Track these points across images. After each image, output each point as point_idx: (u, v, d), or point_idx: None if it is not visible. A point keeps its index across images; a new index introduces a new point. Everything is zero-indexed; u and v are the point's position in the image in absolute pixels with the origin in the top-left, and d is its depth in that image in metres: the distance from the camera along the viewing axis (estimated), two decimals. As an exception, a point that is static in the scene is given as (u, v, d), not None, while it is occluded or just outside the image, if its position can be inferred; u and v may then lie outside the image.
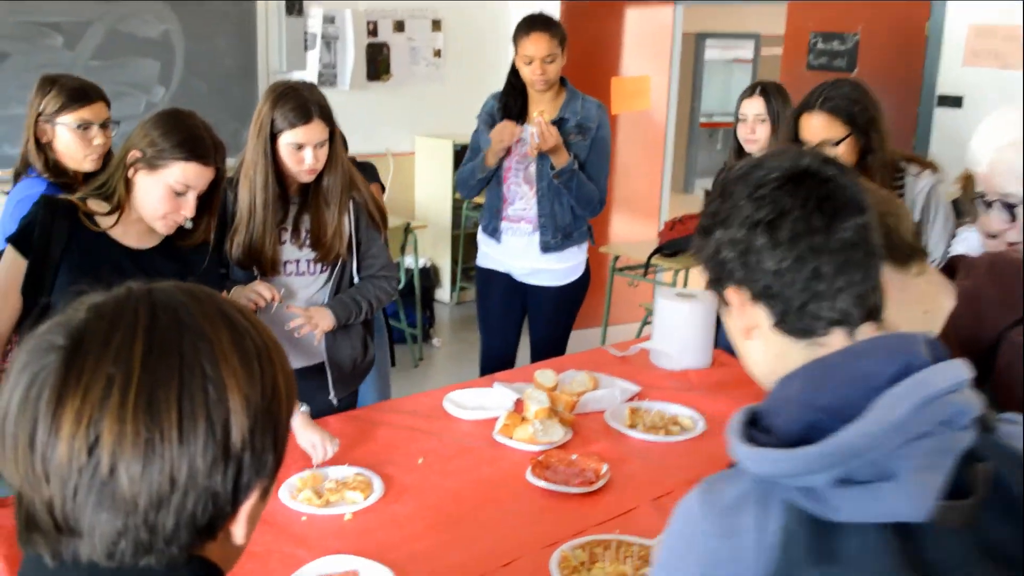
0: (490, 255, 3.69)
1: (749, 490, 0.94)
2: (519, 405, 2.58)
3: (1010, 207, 1.70)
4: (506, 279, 3.67)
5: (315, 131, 2.47)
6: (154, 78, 4.98)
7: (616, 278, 5.46)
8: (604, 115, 3.52)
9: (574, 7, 5.84)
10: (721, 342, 3.17)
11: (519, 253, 3.60)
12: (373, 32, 6.02)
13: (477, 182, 3.55)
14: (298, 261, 2.63)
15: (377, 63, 6.07)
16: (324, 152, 2.52)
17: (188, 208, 2.18)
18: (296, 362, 2.57)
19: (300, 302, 2.62)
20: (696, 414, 2.60)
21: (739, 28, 11.24)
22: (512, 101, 3.50)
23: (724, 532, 0.93)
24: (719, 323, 3.14)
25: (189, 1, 5.07)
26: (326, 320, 2.56)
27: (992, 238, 1.70)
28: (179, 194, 2.16)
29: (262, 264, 2.56)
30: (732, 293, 1.06)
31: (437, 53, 6.36)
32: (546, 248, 3.53)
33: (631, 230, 6.27)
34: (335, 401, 2.69)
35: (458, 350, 5.72)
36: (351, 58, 5.82)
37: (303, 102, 2.47)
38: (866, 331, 1.02)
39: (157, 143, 2.16)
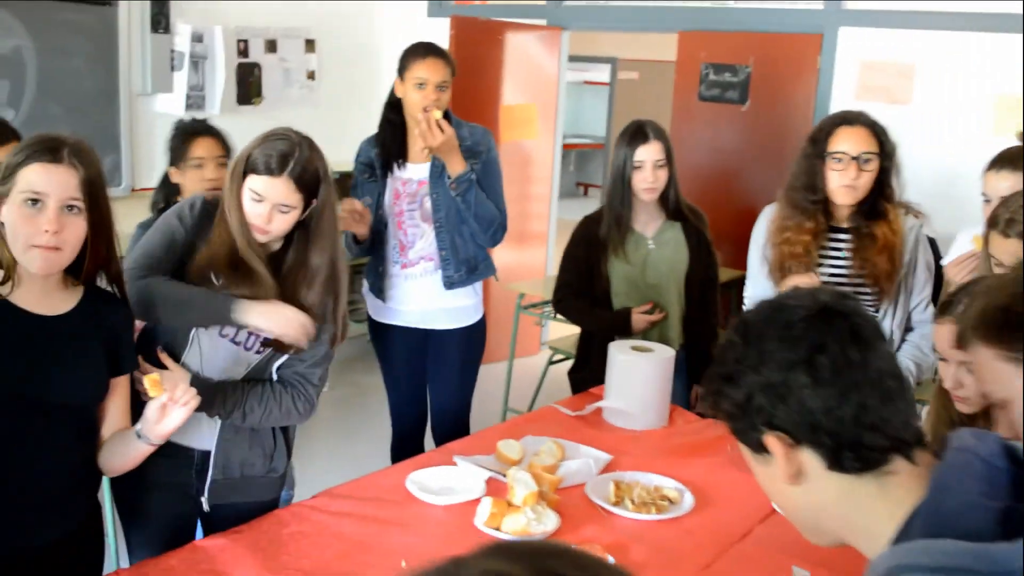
0: (383, 307, 3.39)
1: None
2: (493, 486, 2.32)
3: None
4: (405, 332, 3.38)
5: (280, 189, 2.10)
6: (3, 99, 4.40)
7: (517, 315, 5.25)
8: (491, 139, 3.33)
9: (464, 28, 5.60)
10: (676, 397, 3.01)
11: (420, 296, 3.33)
12: (244, 52, 5.58)
13: (356, 253, 3.28)
14: (241, 331, 2.21)
15: (248, 84, 5.63)
16: (286, 220, 2.14)
17: (47, 220, 1.74)
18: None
19: (215, 374, 2.21)
20: (679, 485, 2.41)
21: (595, 52, 11.30)
22: (390, 141, 3.25)
23: None
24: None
25: (42, 14, 4.51)
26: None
27: None
28: (33, 207, 1.75)
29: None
30: (772, 440, 1.02)
31: (311, 75, 5.98)
32: (450, 284, 3.28)
33: (520, 260, 6.07)
34: (205, 506, 2.26)
35: (345, 395, 5.35)
36: (220, 80, 5.36)
37: (284, 152, 2.11)
38: (921, 455, 1.01)
39: (5, 164, 1.78)
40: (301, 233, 2.20)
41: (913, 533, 0.96)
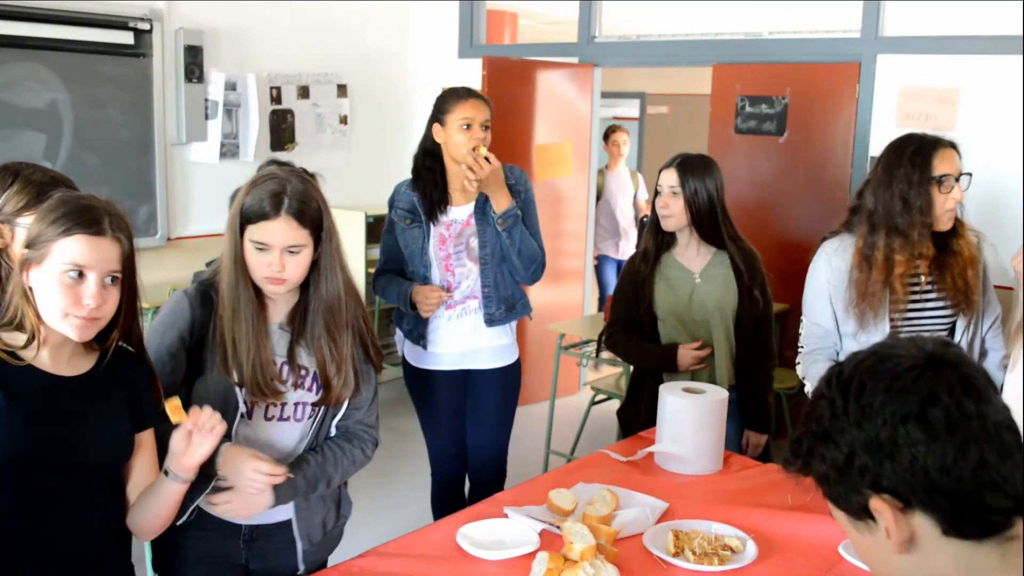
0: (423, 353, 3.35)
1: None
2: (547, 538, 2.22)
3: None
4: (445, 375, 3.35)
5: (284, 230, 2.01)
6: (39, 152, 4.42)
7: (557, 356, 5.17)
8: (527, 178, 3.34)
9: (496, 69, 5.58)
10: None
11: (461, 336, 3.31)
12: (277, 99, 5.60)
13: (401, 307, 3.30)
14: (286, 404, 2.16)
15: (281, 131, 5.65)
16: (300, 262, 2.06)
17: (89, 294, 1.71)
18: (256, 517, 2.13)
19: (277, 455, 2.14)
20: (740, 532, 2.30)
21: (623, 87, 11.28)
22: (431, 187, 3.22)
23: None
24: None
25: (78, 66, 4.54)
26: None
27: None
28: (74, 278, 1.71)
29: (263, 393, 2.09)
30: (879, 504, 0.93)
31: (343, 120, 5.99)
32: (491, 321, 3.28)
33: (556, 299, 6.00)
34: (301, 568, 2.25)
35: (384, 440, 5.26)
36: (255, 127, 5.37)
37: (276, 191, 2.03)
38: None
39: (37, 231, 1.73)
40: (314, 274, 2.11)
41: None
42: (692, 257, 3.17)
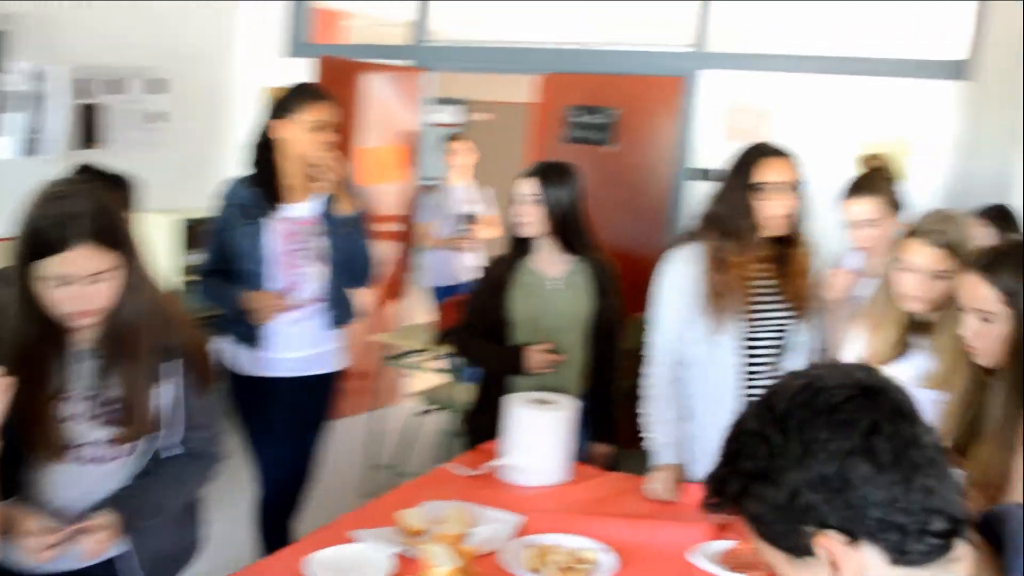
0: (258, 358, 3.21)
1: None
2: (403, 563, 2.13)
3: None
4: (283, 382, 3.23)
5: (83, 259, 1.78)
6: None
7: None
8: (358, 185, 3.35)
9: (329, 69, 5.41)
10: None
11: (304, 340, 3.25)
12: (86, 92, 5.21)
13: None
14: (89, 444, 1.97)
15: (90, 128, 5.26)
16: (108, 287, 1.84)
17: None
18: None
19: (99, 497, 1.98)
20: (598, 544, 2.28)
21: (445, 93, 11.26)
22: (268, 183, 3.14)
23: None
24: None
25: None
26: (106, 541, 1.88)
27: None
28: None
29: (33, 448, 1.88)
30: (825, 542, 0.90)
31: (160, 117, 5.65)
32: (338, 324, 3.30)
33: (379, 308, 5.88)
34: None
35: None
36: (60, 122, 4.97)
37: (72, 213, 1.77)
38: (971, 533, 0.92)
39: None
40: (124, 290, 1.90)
41: None
42: (550, 264, 3.15)
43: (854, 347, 2.60)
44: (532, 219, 3.06)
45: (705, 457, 2.56)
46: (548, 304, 3.12)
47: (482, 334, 3.17)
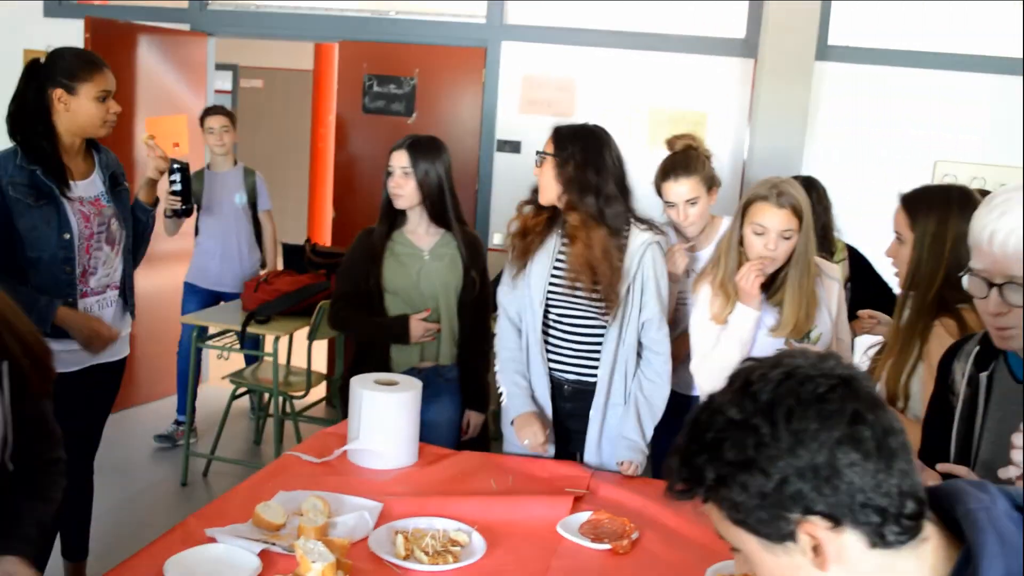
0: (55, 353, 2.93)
1: None
2: (268, 559, 2.01)
3: None
4: (76, 374, 2.96)
5: None
6: None
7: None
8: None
9: (99, 32, 4.97)
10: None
11: None
12: None
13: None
14: None
15: None
16: None
17: None
18: None
19: None
20: (463, 525, 2.26)
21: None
22: (53, 159, 2.87)
23: None
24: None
25: None
26: None
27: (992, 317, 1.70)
28: None
29: None
30: (809, 528, 0.93)
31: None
32: (132, 311, 3.18)
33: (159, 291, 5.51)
34: None
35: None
36: None
37: None
38: (929, 512, 0.97)
39: None
40: None
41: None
42: (421, 236, 3.20)
43: (700, 311, 2.69)
44: (404, 191, 3.11)
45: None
46: (421, 274, 3.17)
47: (356, 304, 3.18)
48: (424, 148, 3.15)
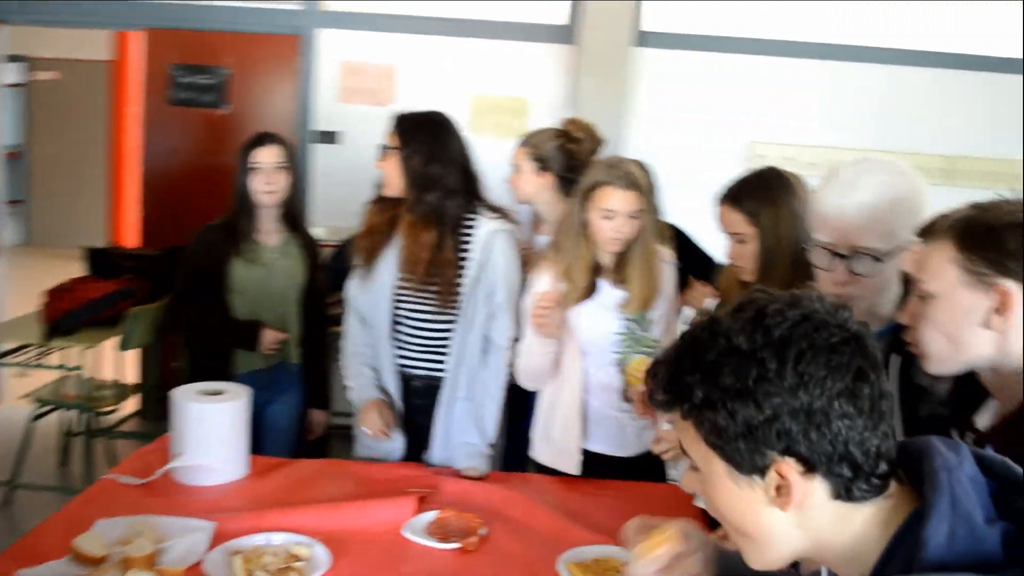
0: None
1: None
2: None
3: (875, 259, 1.72)
4: None
5: None
6: None
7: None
8: None
9: None
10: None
11: None
12: None
13: None
14: None
15: None
16: None
17: None
18: None
19: None
20: (303, 538, 2.15)
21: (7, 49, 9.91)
22: None
23: None
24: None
25: None
26: None
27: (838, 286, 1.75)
28: None
29: None
30: (783, 468, 0.95)
31: None
32: None
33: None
34: None
35: None
36: None
37: None
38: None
39: None
40: None
41: (898, 562, 0.93)
42: (270, 234, 3.17)
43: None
44: (278, 187, 3.08)
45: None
46: (269, 273, 3.13)
47: (197, 304, 3.10)
48: (290, 143, 3.20)
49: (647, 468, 2.72)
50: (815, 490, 0.96)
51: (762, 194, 2.26)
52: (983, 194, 1.41)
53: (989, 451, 1.00)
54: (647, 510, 2.42)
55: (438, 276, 2.67)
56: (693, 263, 3.13)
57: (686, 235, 3.20)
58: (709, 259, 3.34)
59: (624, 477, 2.65)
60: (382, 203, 2.79)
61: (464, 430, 2.72)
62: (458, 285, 2.67)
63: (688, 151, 4.85)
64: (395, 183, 2.70)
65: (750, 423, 0.94)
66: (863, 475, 0.95)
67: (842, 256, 1.73)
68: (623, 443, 2.68)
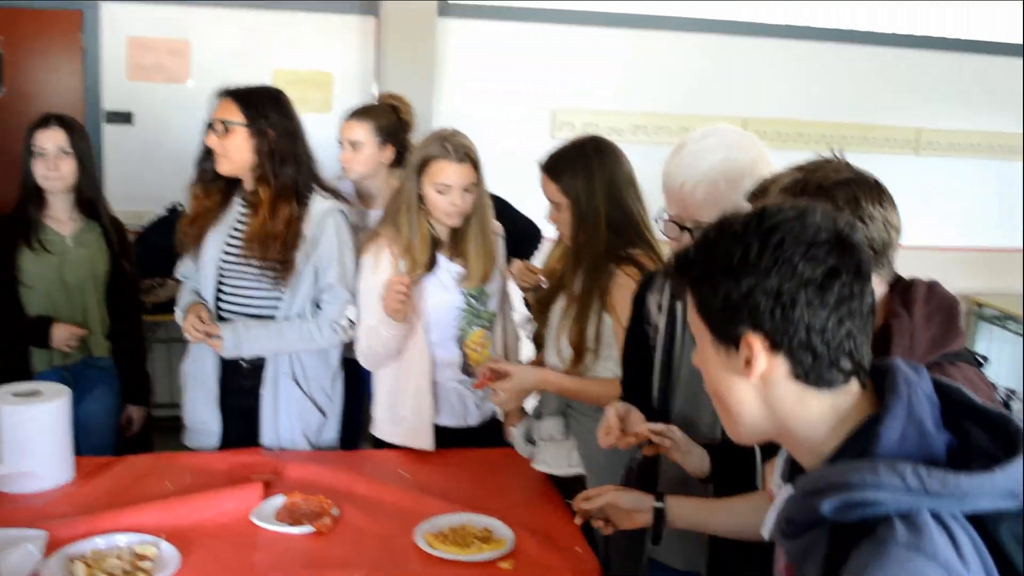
0: None
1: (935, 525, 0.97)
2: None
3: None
4: None
5: None
6: None
7: None
8: None
9: None
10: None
11: None
12: None
13: None
14: None
15: None
16: None
17: None
18: None
19: None
20: (146, 536, 2.06)
21: None
22: None
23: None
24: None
25: None
26: None
27: None
28: None
29: None
30: (754, 341, 1.06)
31: None
32: None
33: None
34: None
35: None
36: None
37: None
38: (866, 380, 1.10)
39: None
40: None
41: (851, 452, 1.03)
42: (64, 222, 2.98)
43: (370, 277, 2.63)
44: (62, 172, 2.90)
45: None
46: (63, 264, 2.94)
47: None
48: (78, 126, 2.98)
49: (488, 436, 2.78)
50: (777, 367, 1.06)
51: (575, 164, 2.32)
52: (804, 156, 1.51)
53: (947, 378, 1.12)
54: (492, 475, 2.54)
55: (284, 252, 2.62)
56: (518, 232, 3.20)
57: (508, 205, 3.25)
58: (532, 226, 3.43)
59: (467, 446, 2.69)
60: (208, 183, 2.68)
61: (302, 410, 2.69)
62: (292, 260, 2.63)
63: (495, 122, 4.90)
64: (238, 159, 2.60)
65: (729, 297, 1.06)
66: (823, 363, 1.05)
67: (687, 228, 1.79)
68: (465, 414, 2.72)
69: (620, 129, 4.88)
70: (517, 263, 2.98)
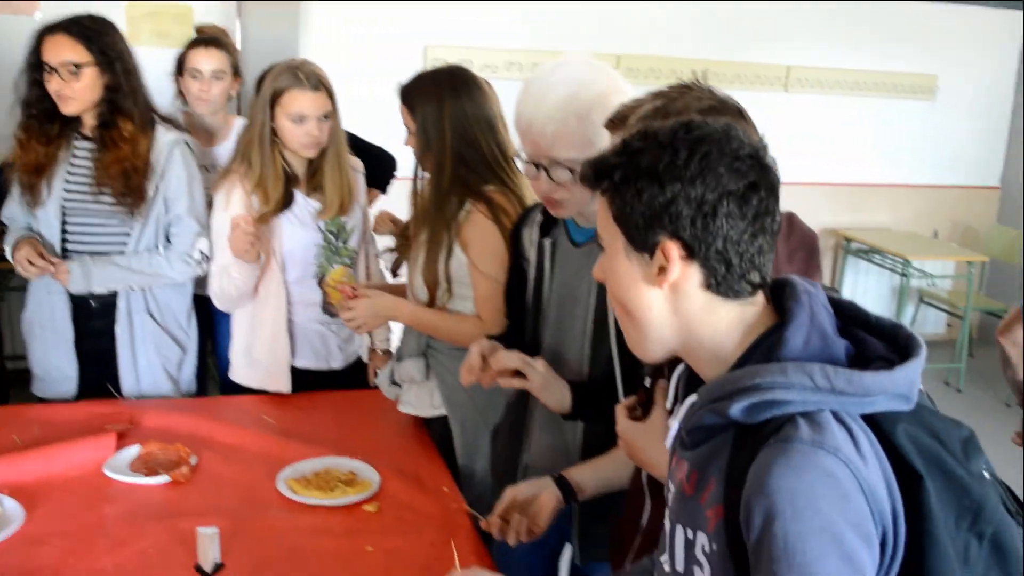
0: None
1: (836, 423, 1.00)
2: None
3: (570, 171, 1.72)
4: None
5: None
6: None
7: None
8: None
9: None
10: None
11: None
12: None
13: None
14: None
15: None
16: None
17: None
18: None
19: None
20: (-10, 495, 1.96)
21: None
22: None
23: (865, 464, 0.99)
24: None
25: None
26: None
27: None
28: None
29: None
30: (668, 246, 1.07)
31: None
32: None
33: None
34: None
35: None
36: None
37: None
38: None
39: None
40: None
41: (757, 358, 1.06)
42: None
43: (223, 215, 2.53)
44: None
45: None
46: None
47: None
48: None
49: (353, 378, 2.74)
50: (691, 276, 1.08)
51: (426, 91, 2.24)
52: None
53: (837, 294, 1.16)
54: (356, 418, 2.50)
55: (134, 183, 2.52)
56: (374, 158, 3.14)
57: (358, 137, 3.16)
58: (386, 154, 3.39)
59: (331, 389, 2.64)
60: (44, 127, 2.51)
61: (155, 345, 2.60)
62: (145, 192, 2.52)
63: (365, 59, 4.77)
64: (86, 98, 2.46)
65: (652, 203, 1.06)
66: (735, 274, 1.07)
67: (542, 166, 1.76)
68: (328, 356, 2.66)
69: (495, 65, 4.82)
70: (383, 213, 2.91)
